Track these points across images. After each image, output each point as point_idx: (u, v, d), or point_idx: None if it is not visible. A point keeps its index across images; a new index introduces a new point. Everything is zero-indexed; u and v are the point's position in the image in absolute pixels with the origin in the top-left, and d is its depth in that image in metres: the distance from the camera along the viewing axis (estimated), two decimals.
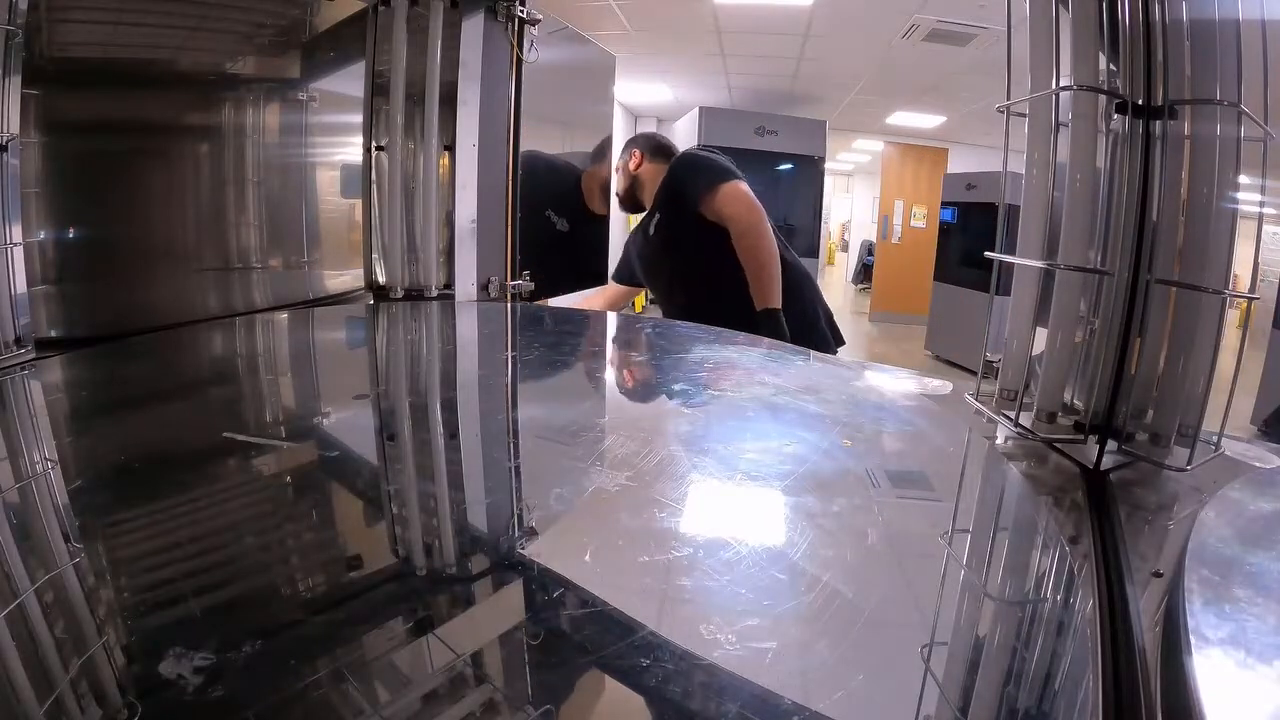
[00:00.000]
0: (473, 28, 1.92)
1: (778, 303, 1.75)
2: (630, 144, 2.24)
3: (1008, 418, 0.92)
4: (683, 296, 2.02)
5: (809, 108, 7.56)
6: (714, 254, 1.75)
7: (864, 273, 11.69)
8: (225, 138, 1.71)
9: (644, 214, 2.16)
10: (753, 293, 1.76)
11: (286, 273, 1.92)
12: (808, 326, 1.86)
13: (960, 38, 4.97)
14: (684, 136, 7.68)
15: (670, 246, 1.95)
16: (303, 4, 1.84)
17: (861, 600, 0.54)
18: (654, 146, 2.20)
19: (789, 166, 7.23)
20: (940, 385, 1.21)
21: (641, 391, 1.12)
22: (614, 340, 1.64)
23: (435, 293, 1.91)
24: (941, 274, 7.01)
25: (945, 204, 7.05)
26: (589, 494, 0.69)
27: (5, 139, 1.08)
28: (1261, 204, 0.80)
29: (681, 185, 1.89)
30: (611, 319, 1.76)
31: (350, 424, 0.99)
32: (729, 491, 0.72)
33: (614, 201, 2.28)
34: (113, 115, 1.48)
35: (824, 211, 8.51)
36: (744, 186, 1.88)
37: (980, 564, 0.64)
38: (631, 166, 2.17)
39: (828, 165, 7.62)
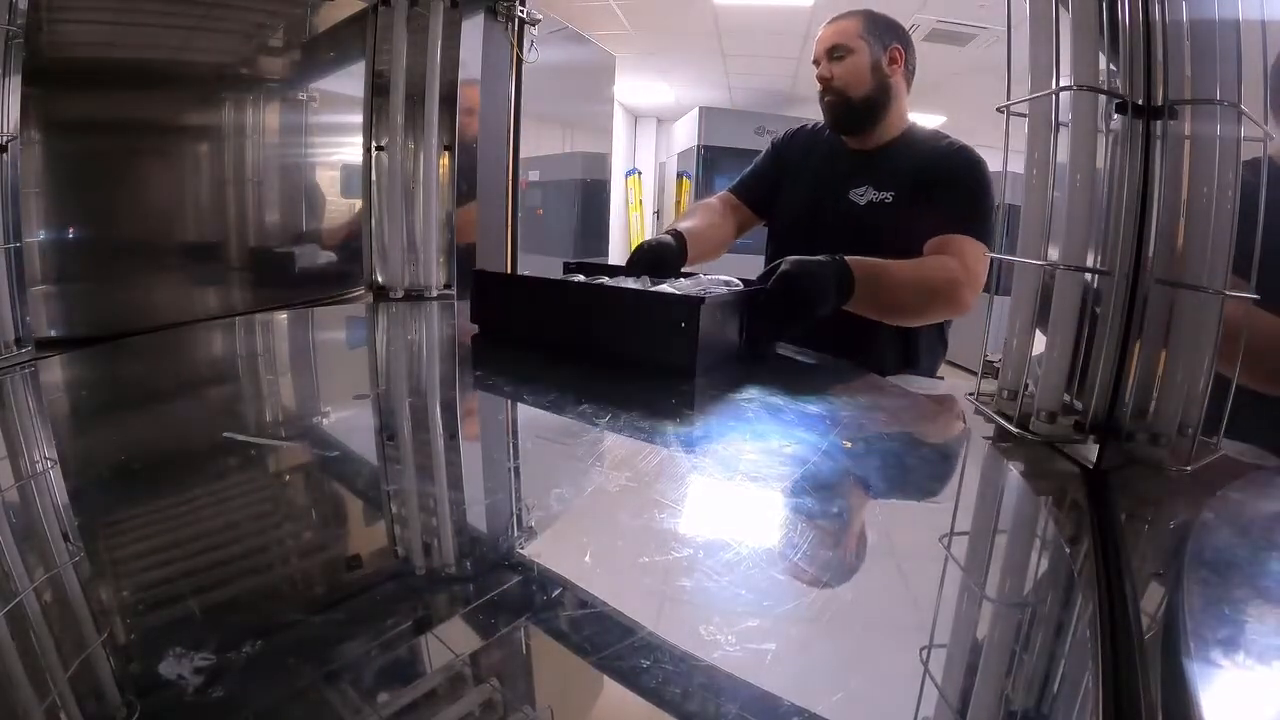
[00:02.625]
0: (473, 28, 1.92)
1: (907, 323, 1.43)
2: (889, 30, 1.51)
3: (1008, 418, 0.92)
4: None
5: (809, 108, 7.54)
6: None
7: None
8: (225, 138, 1.71)
9: (828, 152, 1.58)
10: (873, 264, 1.29)
11: (286, 273, 1.92)
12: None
13: (960, 38, 4.97)
14: (684, 136, 7.69)
15: (879, 245, 1.33)
16: (303, 4, 1.84)
17: (861, 601, 0.54)
18: (914, 64, 1.55)
19: None
20: (940, 385, 1.21)
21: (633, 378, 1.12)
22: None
23: (435, 293, 1.91)
24: None
25: None
26: (589, 493, 0.70)
27: (5, 139, 1.08)
28: (1261, 204, 0.80)
29: (955, 198, 1.39)
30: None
31: (350, 424, 0.99)
32: (729, 492, 0.72)
33: None
34: (113, 115, 1.48)
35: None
36: (985, 248, 1.38)
37: (980, 564, 0.64)
38: (887, 65, 1.48)
39: None
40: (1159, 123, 0.81)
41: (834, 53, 1.47)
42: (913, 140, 1.51)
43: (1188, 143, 0.80)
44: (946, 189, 1.40)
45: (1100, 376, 0.85)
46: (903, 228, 1.40)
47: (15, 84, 1.11)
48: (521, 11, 1.98)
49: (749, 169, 1.74)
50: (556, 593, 0.51)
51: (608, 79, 2.96)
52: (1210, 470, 0.79)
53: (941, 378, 1.60)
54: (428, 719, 0.38)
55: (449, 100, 1.87)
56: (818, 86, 1.52)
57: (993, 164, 1.31)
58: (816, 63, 1.52)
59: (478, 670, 0.44)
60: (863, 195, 1.47)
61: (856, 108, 1.48)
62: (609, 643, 0.44)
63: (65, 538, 0.58)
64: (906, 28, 1.55)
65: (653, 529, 0.61)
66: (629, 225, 8.37)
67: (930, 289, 1.34)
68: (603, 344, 1.22)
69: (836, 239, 1.36)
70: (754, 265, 1.45)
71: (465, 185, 1.93)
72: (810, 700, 0.41)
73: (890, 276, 1.29)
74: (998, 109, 0.94)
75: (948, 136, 1.52)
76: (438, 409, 1.06)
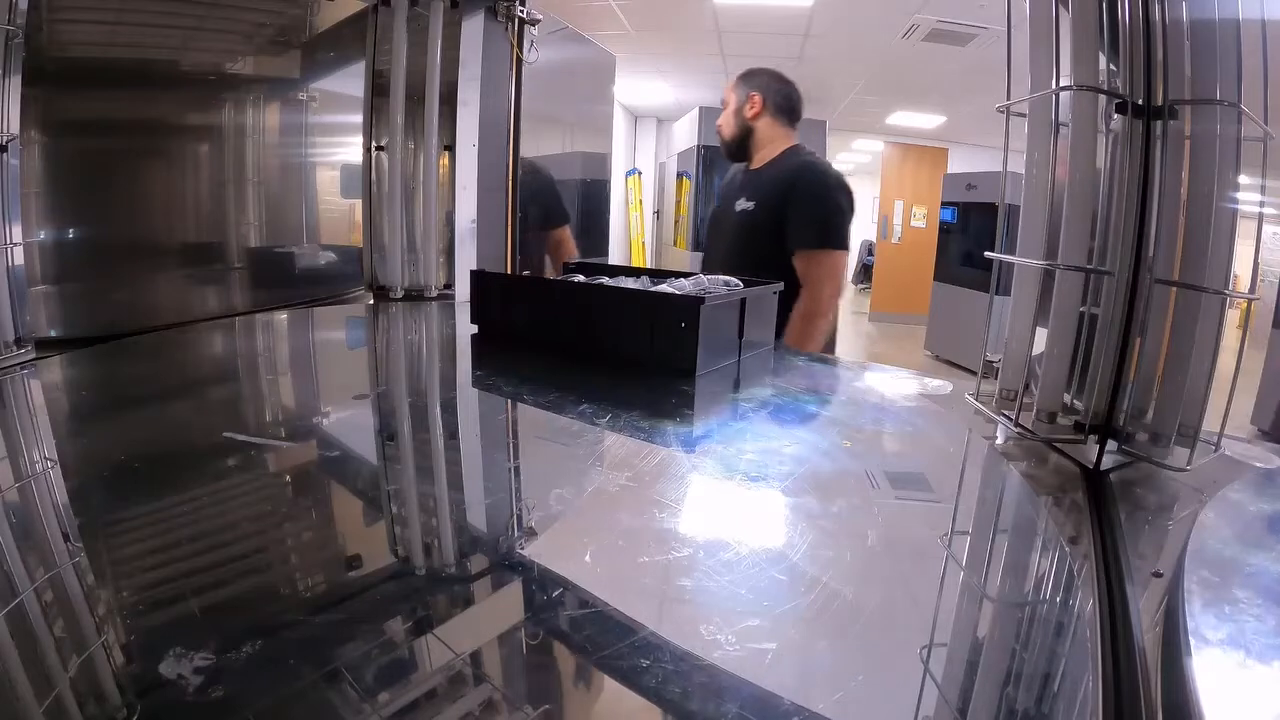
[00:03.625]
0: (473, 28, 1.92)
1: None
2: (751, 82, 1.94)
3: (1008, 418, 0.92)
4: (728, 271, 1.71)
5: (809, 108, 7.51)
6: (764, 263, 1.70)
7: (864, 273, 11.69)
8: (225, 138, 1.71)
9: (735, 174, 2.00)
10: (788, 336, 1.76)
11: (286, 273, 1.92)
12: None
13: (960, 38, 4.97)
14: (684, 136, 7.68)
15: (746, 243, 1.84)
16: (303, 4, 1.84)
17: (861, 601, 0.54)
18: (780, 100, 1.93)
19: None
20: (940, 385, 1.21)
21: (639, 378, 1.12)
22: None
23: (435, 293, 1.91)
24: (941, 274, 7.00)
25: (945, 204, 7.04)
26: (589, 493, 0.70)
27: (5, 139, 1.08)
28: (1261, 204, 0.80)
29: (804, 216, 1.78)
30: None
31: (350, 424, 0.99)
32: (729, 492, 0.72)
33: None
34: (112, 115, 1.48)
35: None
36: (845, 259, 1.87)
37: (980, 564, 0.64)
38: (749, 113, 1.91)
39: None
40: (1159, 123, 0.81)
41: (723, 104, 1.99)
42: (781, 161, 1.92)
43: (1188, 143, 0.80)
44: (794, 199, 1.82)
45: (1100, 376, 0.85)
46: (760, 229, 1.84)
47: (15, 84, 1.11)
48: (521, 11, 1.98)
49: None
50: (557, 593, 0.51)
51: (608, 79, 2.96)
52: (1210, 470, 0.79)
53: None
54: (428, 719, 0.38)
55: (449, 100, 1.87)
56: None
57: (993, 164, 1.33)
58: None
59: (478, 670, 0.44)
60: (740, 205, 1.91)
61: (729, 143, 1.98)
62: (609, 642, 0.44)
63: (65, 537, 0.58)
64: (772, 76, 1.99)
65: (653, 529, 0.61)
66: (629, 225, 8.37)
67: (809, 333, 1.81)
68: (603, 344, 1.22)
69: (730, 241, 1.92)
70: None
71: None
72: (810, 699, 0.41)
73: (793, 336, 1.79)
74: (998, 109, 0.94)
75: (807, 156, 1.93)
76: (438, 409, 1.06)
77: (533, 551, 0.58)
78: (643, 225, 8.58)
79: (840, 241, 1.84)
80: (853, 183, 1.96)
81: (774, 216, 1.81)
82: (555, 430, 0.91)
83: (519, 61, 2.03)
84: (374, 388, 1.20)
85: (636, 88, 7.60)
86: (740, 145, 1.96)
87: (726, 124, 1.97)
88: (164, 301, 1.62)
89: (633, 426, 0.89)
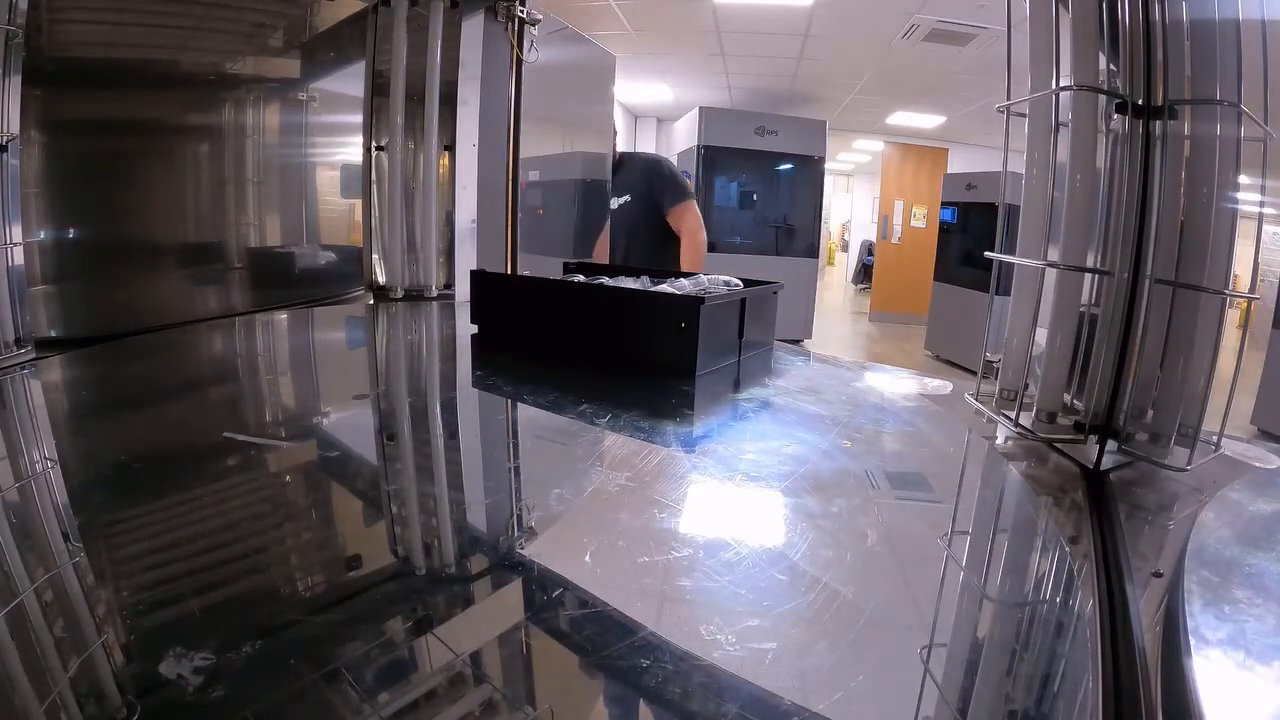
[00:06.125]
0: (473, 28, 1.92)
1: None
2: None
3: (1008, 418, 0.92)
4: (631, 261, 2.45)
5: (809, 108, 7.56)
6: (662, 240, 2.38)
7: (864, 273, 11.69)
8: (225, 138, 1.71)
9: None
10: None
11: (286, 273, 1.92)
12: None
13: (960, 38, 4.97)
14: (684, 136, 7.68)
15: (633, 226, 2.40)
16: (303, 4, 1.84)
17: (861, 601, 0.54)
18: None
19: (789, 166, 7.23)
20: (940, 385, 1.21)
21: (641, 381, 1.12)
22: None
23: (435, 293, 1.91)
24: (941, 274, 7.00)
25: (945, 204, 7.04)
26: (589, 493, 0.69)
27: (5, 139, 1.08)
28: (1261, 204, 0.80)
29: (666, 182, 2.40)
30: None
31: (350, 424, 0.99)
32: (729, 492, 0.72)
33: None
34: (112, 115, 1.48)
35: (824, 211, 8.51)
36: (696, 207, 2.61)
37: (980, 564, 0.64)
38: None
39: (828, 165, 7.62)
40: (1159, 123, 0.81)
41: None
42: (625, 161, 2.58)
43: (1188, 143, 0.80)
44: (659, 175, 2.47)
45: (1100, 376, 0.85)
46: (639, 213, 2.43)
47: (15, 84, 1.11)
48: (521, 11, 1.98)
49: None
50: (557, 593, 0.51)
51: (608, 79, 2.96)
52: (1210, 470, 0.79)
53: None
54: (428, 719, 0.38)
55: (449, 100, 1.87)
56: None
57: (993, 164, 1.34)
58: None
59: (478, 670, 0.44)
60: (615, 202, 2.50)
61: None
62: (609, 643, 0.44)
63: (65, 537, 0.58)
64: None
65: (653, 529, 0.61)
66: None
67: (701, 256, 2.51)
68: (603, 344, 1.22)
69: (617, 236, 2.48)
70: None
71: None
72: (811, 699, 0.41)
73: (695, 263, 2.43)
74: (998, 109, 0.94)
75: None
76: (438, 409, 1.06)
77: (533, 551, 0.58)
78: None
79: (690, 194, 2.64)
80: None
81: (648, 204, 2.46)
82: (555, 430, 0.91)
83: (519, 61, 2.03)
84: (374, 388, 1.20)
85: (636, 88, 7.60)
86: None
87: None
88: (164, 301, 1.62)
89: (633, 426, 0.89)
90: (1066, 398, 0.90)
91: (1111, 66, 0.86)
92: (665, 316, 1.13)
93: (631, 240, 2.40)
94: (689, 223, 2.42)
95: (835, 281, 13.27)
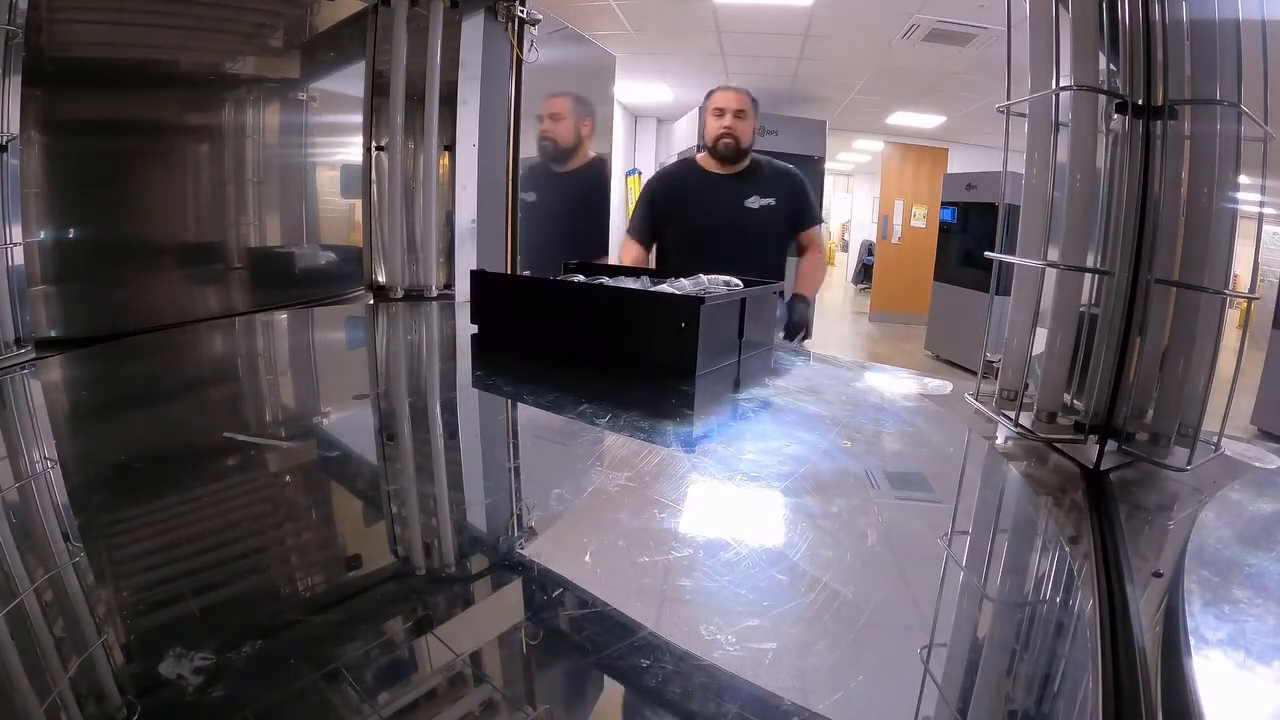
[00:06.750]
0: (473, 28, 1.92)
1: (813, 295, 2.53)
2: (757, 105, 2.39)
3: (1008, 418, 0.92)
4: (741, 262, 1.93)
5: (809, 108, 7.56)
6: (780, 250, 2.42)
7: (864, 273, 11.69)
8: (225, 138, 1.71)
9: (730, 180, 2.34)
10: (804, 286, 2.46)
11: (286, 273, 1.91)
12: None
13: (960, 38, 4.97)
14: (684, 136, 7.68)
15: (761, 228, 2.33)
16: (303, 4, 1.84)
17: (861, 601, 0.54)
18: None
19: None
20: (940, 385, 1.21)
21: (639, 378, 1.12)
22: None
23: (435, 293, 1.91)
24: (941, 274, 7.00)
25: (945, 204, 7.04)
26: (589, 493, 0.69)
27: (5, 139, 1.08)
28: (1261, 204, 0.80)
29: (809, 201, 2.43)
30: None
31: (350, 424, 0.99)
32: (729, 492, 0.72)
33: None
34: (113, 115, 1.48)
35: (824, 211, 8.49)
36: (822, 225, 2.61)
37: (980, 564, 0.64)
38: (756, 128, 2.42)
39: (828, 165, 7.61)
40: (1159, 123, 0.81)
41: (739, 114, 2.30)
42: (762, 163, 2.39)
43: (1188, 143, 0.80)
44: (803, 193, 2.39)
45: (1100, 376, 0.85)
46: (781, 219, 2.35)
47: (15, 84, 1.11)
48: (521, 11, 1.98)
49: (638, 217, 2.43)
50: (557, 593, 0.51)
51: (608, 79, 2.96)
52: (1210, 470, 0.79)
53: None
54: (428, 719, 0.38)
55: (449, 100, 1.87)
56: (720, 130, 2.29)
57: (993, 164, 1.34)
58: (721, 113, 2.29)
59: (478, 670, 0.44)
60: (755, 202, 2.31)
61: (745, 151, 2.33)
62: (609, 643, 0.44)
63: (65, 537, 0.58)
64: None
65: (653, 529, 0.61)
66: (628, 211, 8.38)
67: (821, 279, 2.58)
68: (603, 344, 1.22)
69: (737, 234, 2.27)
70: None
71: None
72: (810, 699, 0.41)
73: (812, 286, 2.50)
74: (998, 109, 0.94)
75: (778, 159, 2.49)
76: (438, 409, 1.06)
77: (533, 551, 0.58)
78: None
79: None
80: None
81: (791, 207, 2.35)
82: (555, 430, 0.91)
83: (519, 61, 2.03)
84: (374, 388, 1.20)
85: (636, 88, 7.60)
86: (748, 152, 2.34)
87: (747, 134, 2.31)
88: (164, 301, 1.62)
89: (633, 426, 0.89)
90: (1066, 398, 0.90)
91: (1111, 66, 0.86)
92: (665, 316, 1.13)
93: (756, 239, 2.36)
94: (820, 244, 2.59)
95: (835, 282, 13.27)
